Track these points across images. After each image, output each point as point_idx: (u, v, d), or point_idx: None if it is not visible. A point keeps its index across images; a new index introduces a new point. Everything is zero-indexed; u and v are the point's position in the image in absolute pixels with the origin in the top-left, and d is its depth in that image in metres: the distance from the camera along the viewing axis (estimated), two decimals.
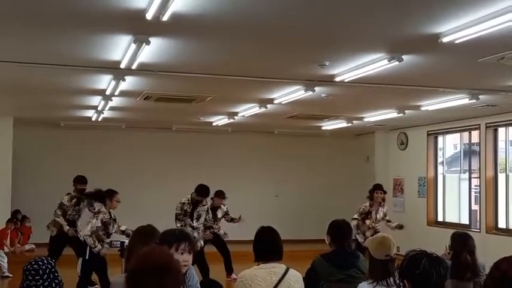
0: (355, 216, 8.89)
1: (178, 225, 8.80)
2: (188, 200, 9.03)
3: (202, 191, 9.03)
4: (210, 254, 9.59)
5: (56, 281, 3.36)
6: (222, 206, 9.96)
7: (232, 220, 10.15)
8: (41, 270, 3.32)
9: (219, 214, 9.90)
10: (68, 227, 8.86)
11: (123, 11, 4.46)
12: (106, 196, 7.78)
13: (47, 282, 3.31)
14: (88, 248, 7.56)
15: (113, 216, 7.82)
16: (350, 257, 4.62)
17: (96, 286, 8.29)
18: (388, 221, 9.10)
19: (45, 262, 3.37)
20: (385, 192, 9.05)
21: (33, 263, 3.37)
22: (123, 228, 7.79)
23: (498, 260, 2.41)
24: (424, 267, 2.65)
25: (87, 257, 7.61)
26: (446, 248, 4.99)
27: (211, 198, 9.69)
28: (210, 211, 9.66)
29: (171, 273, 2.23)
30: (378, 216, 8.86)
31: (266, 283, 3.68)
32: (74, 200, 8.99)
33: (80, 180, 9.08)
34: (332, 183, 14.37)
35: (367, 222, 8.80)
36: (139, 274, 2.26)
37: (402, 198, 13.01)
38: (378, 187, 9.06)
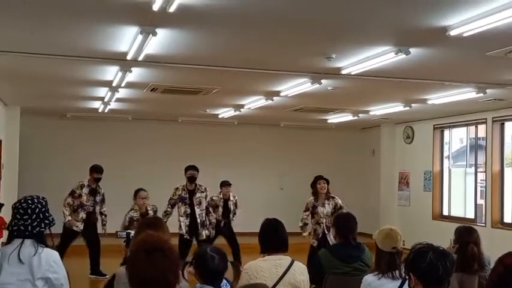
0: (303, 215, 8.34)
1: (168, 209, 8.98)
2: (183, 186, 9.08)
3: (186, 167, 9.09)
4: (219, 245, 9.63)
5: (46, 221, 3.26)
6: (232, 198, 10.02)
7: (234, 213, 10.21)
8: (29, 210, 3.23)
9: (231, 206, 9.96)
10: (69, 218, 8.89)
11: (130, 1, 4.46)
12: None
13: (35, 223, 3.22)
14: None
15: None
16: (355, 250, 4.63)
17: (107, 276, 8.34)
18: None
19: (35, 201, 3.27)
20: (328, 182, 8.16)
21: (22, 201, 3.27)
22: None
23: (503, 255, 2.42)
24: (430, 260, 2.64)
25: None
26: (451, 242, 4.96)
27: (220, 189, 9.90)
28: (221, 204, 9.81)
29: (165, 253, 2.39)
30: (325, 210, 8.15)
31: (271, 275, 3.69)
32: (84, 189, 9.01)
33: (97, 169, 9.09)
34: (337, 176, 14.27)
35: (315, 217, 8.20)
36: (136, 255, 2.42)
37: (408, 192, 13.00)
38: (318, 177, 8.31)
